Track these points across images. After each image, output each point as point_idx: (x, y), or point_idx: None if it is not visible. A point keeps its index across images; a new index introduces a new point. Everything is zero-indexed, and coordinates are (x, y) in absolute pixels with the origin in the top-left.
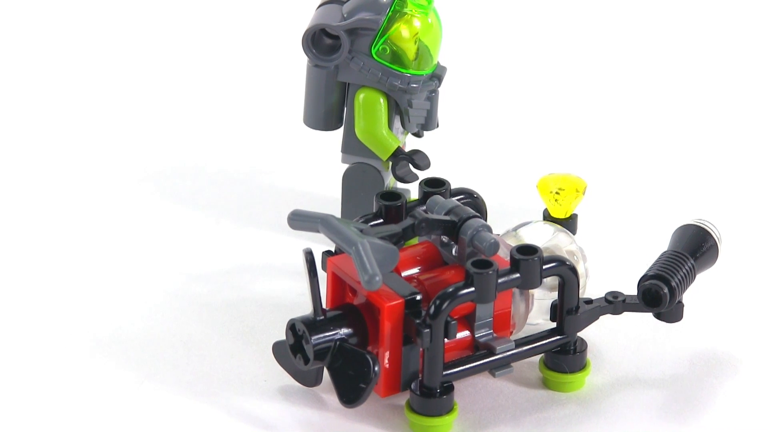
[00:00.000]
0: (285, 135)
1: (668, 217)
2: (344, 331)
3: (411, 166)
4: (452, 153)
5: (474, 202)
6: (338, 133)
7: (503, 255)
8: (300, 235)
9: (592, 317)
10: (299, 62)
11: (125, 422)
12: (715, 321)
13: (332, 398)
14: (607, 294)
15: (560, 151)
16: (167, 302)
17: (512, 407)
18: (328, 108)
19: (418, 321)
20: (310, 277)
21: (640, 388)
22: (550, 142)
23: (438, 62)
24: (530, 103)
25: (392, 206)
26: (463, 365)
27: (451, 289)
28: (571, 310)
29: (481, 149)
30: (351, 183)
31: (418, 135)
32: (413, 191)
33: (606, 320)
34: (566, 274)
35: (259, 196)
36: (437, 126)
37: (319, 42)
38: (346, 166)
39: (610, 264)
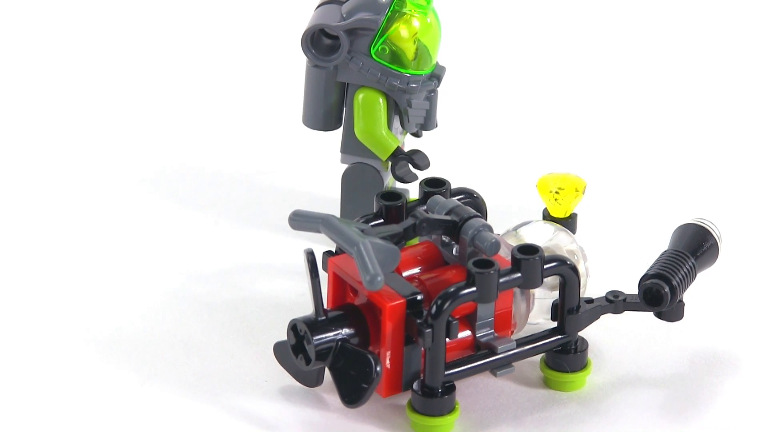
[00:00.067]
0: (284, 135)
1: (668, 216)
2: (346, 331)
3: (410, 166)
4: (451, 153)
5: (474, 201)
6: (337, 134)
7: (504, 254)
8: (299, 236)
9: (593, 316)
10: (298, 62)
11: (126, 423)
12: (715, 320)
13: (333, 398)
14: (607, 293)
15: (559, 150)
16: (167, 303)
17: (513, 407)
18: (328, 108)
19: (419, 321)
20: (311, 278)
21: (640, 388)
22: (550, 141)
23: (437, 62)
24: (529, 103)
25: (393, 206)
26: (464, 365)
27: (452, 289)
28: (572, 310)
29: (480, 149)
30: (350, 183)
31: (416, 135)
32: (412, 191)
33: (606, 319)
34: (567, 273)
35: (259, 196)
36: (436, 126)
37: (319, 42)
38: (345, 166)
39: (610, 263)
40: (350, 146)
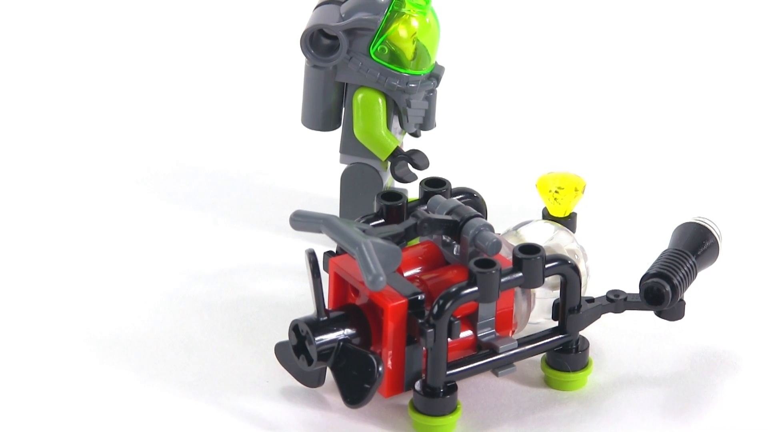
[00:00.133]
0: (283, 135)
1: (668, 216)
2: (347, 331)
3: (410, 166)
4: (451, 153)
5: (474, 201)
6: (336, 134)
7: (504, 254)
8: (299, 236)
9: (594, 316)
10: (297, 63)
11: (127, 424)
12: (715, 319)
13: (335, 398)
14: (608, 292)
15: (559, 149)
16: (167, 303)
17: (515, 406)
18: (327, 108)
19: (421, 321)
20: (313, 278)
21: (641, 387)
22: (549, 141)
23: (436, 62)
24: (528, 103)
25: (393, 206)
26: (466, 365)
27: (454, 289)
28: (573, 309)
29: (479, 149)
30: (349, 183)
31: (415, 135)
32: (411, 191)
33: (606, 319)
34: (568, 272)
35: (258, 196)
36: (434, 126)
37: (318, 42)
38: (344, 166)
39: (610, 262)
40: (349, 146)
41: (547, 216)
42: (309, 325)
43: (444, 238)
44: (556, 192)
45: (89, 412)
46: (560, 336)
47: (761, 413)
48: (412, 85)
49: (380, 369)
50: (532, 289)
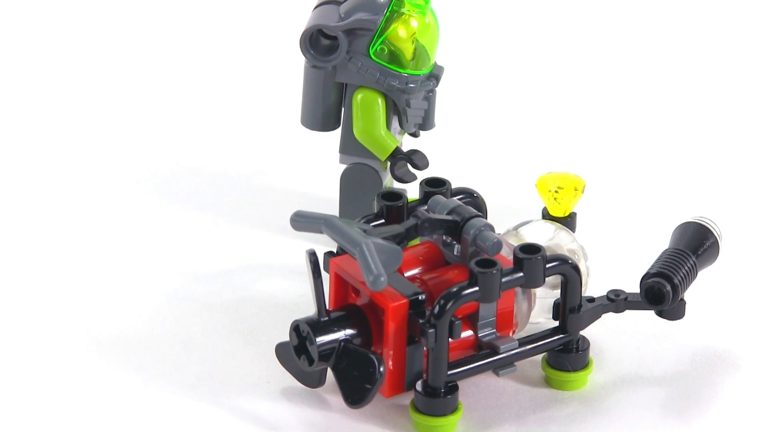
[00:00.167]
0: (283, 136)
1: (667, 215)
2: (348, 331)
3: (409, 166)
4: (450, 153)
5: (474, 201)
6: (336, 134)
7: (505, 254)
8: (299, 236)
9: (595, 316)
10: (297, 63)
11: (128, 425)
12: (716, 318)
13: (335, 399)
14: (608, 292)
15: (558, 149)
16: (167, 304)
17: (516, 406)
18: (326, 109)
19: (422, 321)
20: (314, 278)
21: (642, 386)
22: (549, 140)
23: (435, 62)
24: (528, 102)
25: (394, 206)
26: (467, 365)
27: (455, 289)
28: (574, 309)
29: (478, 149)
30: (349, 183)
31: (414, 135)
32: (410, 191)
33: (607, 318)
34: (569, 272)
35: (258, 196)
36: (434, 126)
37: (317, 43)
38: (344, 166)
39: (609, 262)
40: (349, 146)
41: (546, 216)
42: (310, 326)
43: (444, 238)
44: (556, 192)
45: (89, 413)
46: (561, 336)
47: (762, 412)
48: (412, 85)
49: (381, 369)
50: (532, 289)
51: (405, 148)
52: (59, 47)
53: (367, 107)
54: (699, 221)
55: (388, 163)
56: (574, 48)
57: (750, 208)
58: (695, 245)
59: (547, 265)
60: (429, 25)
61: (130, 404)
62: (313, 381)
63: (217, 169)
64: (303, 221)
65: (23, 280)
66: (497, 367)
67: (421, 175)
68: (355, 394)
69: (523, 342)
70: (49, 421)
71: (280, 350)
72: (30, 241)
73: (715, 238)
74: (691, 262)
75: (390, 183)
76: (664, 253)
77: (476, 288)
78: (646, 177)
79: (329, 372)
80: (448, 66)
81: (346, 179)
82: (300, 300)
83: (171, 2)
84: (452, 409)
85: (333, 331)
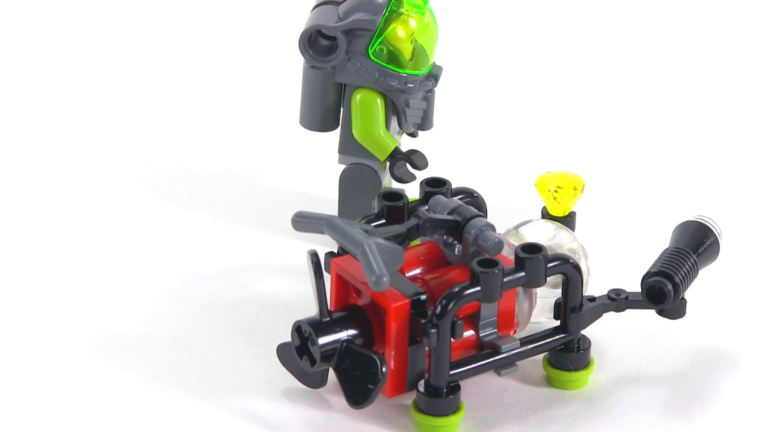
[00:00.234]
0: (282, 136)
1: (667, 214)
2: (350, 332)
3: (408, 166)
4: (449, 153)
5: (474, 201)
6: (335, 134)
7: (506, 254)
8: (298, 236)
9: (596, 315)
10: (296, 63)
11: (128, 426)
12: (716, 317)
13: (337, 399)
14: (609, 291)
15: (558, 149)
16: (167, 304)
17: (517, 405)
18: (325, 109)
19: (424, 321)
20: (316, 278)
21: (643, 385)
22: (548, 140)
23: (434, 62)
24: (527, 102)
25: (394, 207)
26: (469, 364)
27: (457, 289)
28: (575, 308)
29: (478, 148)
30: (348, 184)
31: (412, 135)
32: (408, 191)
33: (607, 317)
34: (570, 272)
35: (257, 197)
36: (432, 126)
37: (316, 43)
38: (343, 166)
39: (609, 261)
40: (348, 147)
41: (546, 215)
42: (312, 326)
43: (445, 238)
44: (556, 191)
45: (90, 414)
46: (562, 335)
47: (762, 411)
48: (411, 85)
49: (384, 369)
50: (533, 289)
51: (404, 149)
52: (59, 48)
53: (366, 107)
54: (699, 220)
55: (387, 164)
56: (574, 47)
57: (750, 207)
58: (695, 244)
59: (549, 265)
60: (428, 25)
61: (130, 405)
62: (315, 381)
63: (217, 169)
64: (304, 222)
65: (23, 281)
66: (499, 367)
67: (421, 175)
68: (358, 395)
69: (524, 341)
70: (50, 422)
71: (282, 351)
72: (30, 242)
73: (716, 237)
74: (692, 261)
75: (389, 183)
76: (664, 252)
77: (478, 288)
78: (646, 176)
79: (330, 372)
80: (446, 66)
81: (345, 179)
82: (300, 300)
83: (171, 2)
84: (454, 408)
85: (335, 332)
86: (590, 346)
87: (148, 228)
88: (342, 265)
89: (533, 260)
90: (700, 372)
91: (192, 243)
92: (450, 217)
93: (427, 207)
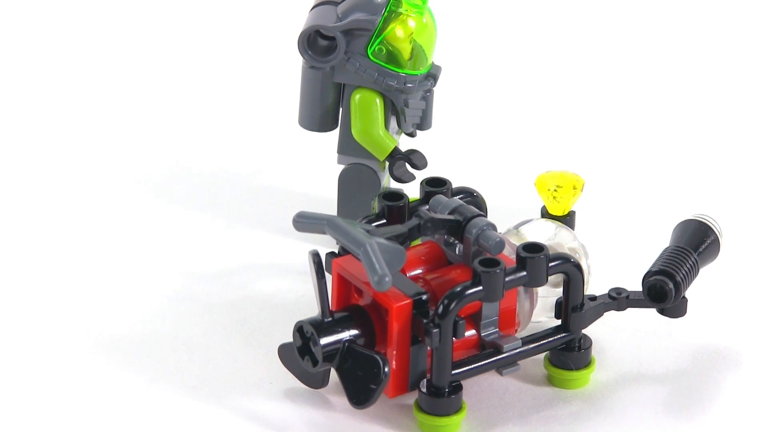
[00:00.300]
0: (281, 136)
1: (667, 213)
2: (352, 332)
3: (408, 166)
4: (448, 152)
5: (474, 200)
6: (334, 134)
7: (507, 253)
8: (298, 236)
9: (597, 314)
10: (295, 64)
11: (129, 426)
12: (717, 316)
13: (339, 399)
14: (610, 290)
15: (557, 148)
16: (167, 304)
17: (519, 405)
18: (324, 109)
19: (426, 321)
20: (317, 279)
21: (644, 384)
22: (547, 139)
23: (433, 62)
24: (526, 101)
25: (395, 207)
26: (471, 364)
27: (459, 289)
28: (576, 307)
29: (477, 148)
30: (347, 184)
31: (411, 135)
32: (408, 191)
33: (607, 316)
34: (571, 271)
35: (256, 197)
36: (431, 126)
37: (315, 43)
38: (342, 167)
39: (610, 260)
40: (347, 147)
41: (545, 214)
42: (314, 327)
43: (446, 237)
44: (555, 191)
45: (91, 415)
46: (563, 334)
47: (763, 409)
48: (410, 85)
49: (386, 369)
50: (534, 288)
51: (402, 148)
52: (59, 48)
53: (366, 107)
54: (699, 219)
55: (387, 164)
56: (573, 47)
57: (750, 206)
58: (696, 243)
59: (550, 264)
60: (426, 25)
61: (131, 406)
62: (317, 382)
63: (216, 170)
64: (306, 222)
65: (24, 281)
66: (500, 366)
67: (420, 175)
68: (360, 395)
69: (525, 341)
70: (51, 423)
71: (283, 351)
72: (30, 242)
73: (716, 235)
74: (693, 259)
75: (388, 183)
76: (665, 251)
77: (480, 287)
78: (646, 175)
79: (332, 372)
80: (445, 66)
81: (344, 180)
82: (301, 300)
83: (171, 2)
84: (456, 408)
85: (337, 332)
86: (591, 345)
87: (148, 228)
88: (343, 265)
89: (535, 259)
90: (701, 371)
91: (192, 243)
92: (451, 217)
93: (427, 207)
